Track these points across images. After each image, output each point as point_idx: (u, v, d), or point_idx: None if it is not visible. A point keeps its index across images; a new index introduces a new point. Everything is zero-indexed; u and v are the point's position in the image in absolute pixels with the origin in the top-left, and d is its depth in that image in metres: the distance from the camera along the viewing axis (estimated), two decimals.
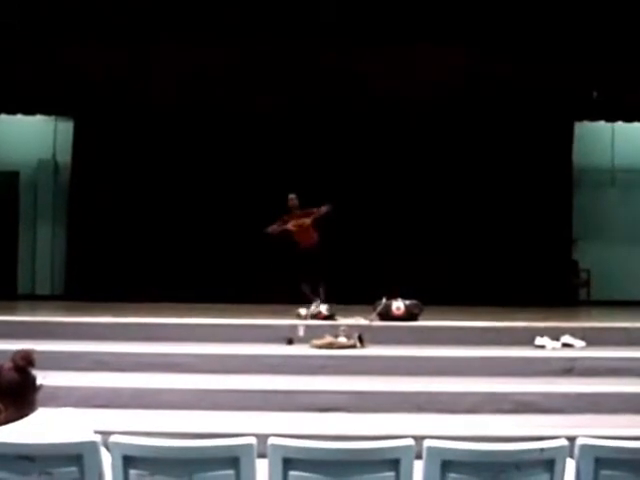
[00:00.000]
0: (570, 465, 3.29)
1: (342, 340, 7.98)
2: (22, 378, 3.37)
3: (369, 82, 12.54)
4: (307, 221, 10.89)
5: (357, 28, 12.22)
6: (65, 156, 13.43)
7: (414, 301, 9.22)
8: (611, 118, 13.30)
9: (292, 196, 10.96)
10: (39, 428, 3.28)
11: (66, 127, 13.41)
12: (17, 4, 11.93)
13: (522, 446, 3.25)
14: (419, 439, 3.22)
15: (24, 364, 3.40)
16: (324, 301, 10.02)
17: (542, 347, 8.16)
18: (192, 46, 12.47)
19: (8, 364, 3.40)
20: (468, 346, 8.02)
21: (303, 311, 9.38)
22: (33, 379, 3.41)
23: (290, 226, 10.85)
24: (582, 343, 8.22)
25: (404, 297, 9.19)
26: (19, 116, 13.03)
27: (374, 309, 9.15)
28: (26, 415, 3.32)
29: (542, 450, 3.22)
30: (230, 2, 12.13)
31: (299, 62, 12.42)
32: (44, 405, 3.42)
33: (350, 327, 8.28)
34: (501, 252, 12.89)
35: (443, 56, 12.64)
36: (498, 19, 12.19)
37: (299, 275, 10.69)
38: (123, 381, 6.86)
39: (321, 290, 10.49)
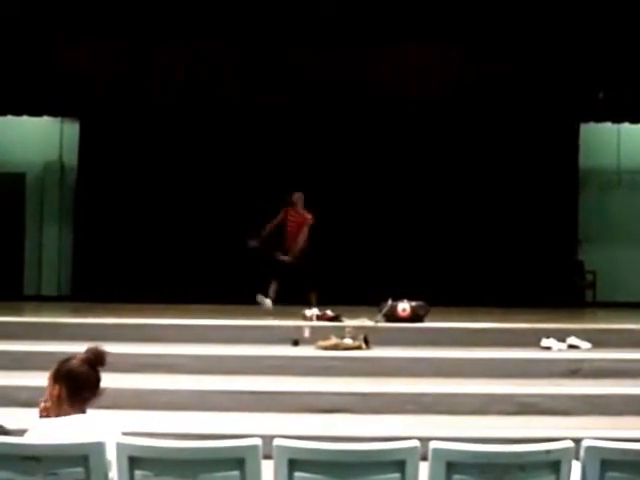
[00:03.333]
0: (576, 467, 3.28)
1: (348, 341, 7.97)
2: (87, 372, 3.41)
3: (370, 82, 12.52)
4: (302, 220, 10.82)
5: (357, 28, 12.20)
6: (71, 157, 13.44)
7: (420, 302, 9.21)
8: (617, 119, 13.26)
9: (298, 195, 10.89)
10: (70, 428, 3.31)
11: (72, 128, 13.42)
12: (21, 5, 11.94)
13: (528, 448, 3.24)
14: (425, 440, 3.22)
15: (93, 360, 3.43)
16: (316, 306, 10.04)
17: (548, 348, 8.14)
18: (197, 47, 12.50)
19: (82, 355, 3.44)
20: (474, 347, 8.02)
21: (309, 312, 9.38)
22: (97, 379, 3.44)
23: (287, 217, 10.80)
24: (588, 345, 8.21)
25: (410, 298, 9.19)
26: (25, 117, 13.03)
27: (380, 310, 9.14)
28: (75, 412, 3.33)
29: (548, 452, 3.22)
30: (233, 3, 12.14)
31: (300, 62, 12.42)
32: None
33: (356, 328, 8.27)
34: (507, 253, 12.86)
35: (444, 56, 12.64)
36: (501, 18, 12.14)
37: (273, 276, 10.67)
38: (128, 382, 6.86)
39: (312, 297, 10.39)
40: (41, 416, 3.47)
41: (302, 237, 10.77)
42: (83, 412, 3.38)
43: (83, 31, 12.14)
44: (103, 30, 12.16)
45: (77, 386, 3.37)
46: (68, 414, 3.34)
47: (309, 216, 10.81)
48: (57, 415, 3.36)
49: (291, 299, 10.43)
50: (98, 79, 12.48)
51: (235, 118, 12.75)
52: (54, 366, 3.46)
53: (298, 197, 10.89)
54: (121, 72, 12.51)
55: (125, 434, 3.28)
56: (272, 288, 10.64)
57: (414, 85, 12.62)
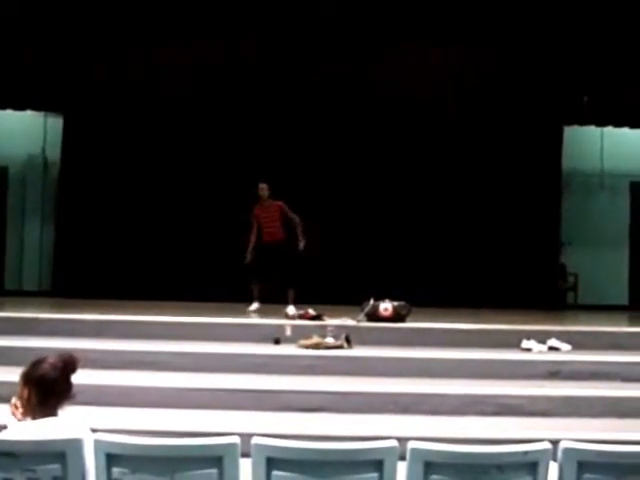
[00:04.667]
0: (553, 468, 3.30)
1: (329, 340, 7.98)
2: (57, 379, 3.39)
3: (368, 81, 12.56)
4: (276, 215, 10.62)
5: (357, 28, 12.25)
6: (54, 152, 13.38)
7: (402, 302, 9.23)
8: (601, 122, 13.33)
9: (263, 185, 10.60)
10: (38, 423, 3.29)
11: (56, 123, 13.35)
12: (10, 1, 11.89)
13: (505, 449, 3.26)
14: (403, 440, 3.23)
15: (63, 366, 3.41)
16: (294, 304, 10.04)
17: (528, 350, 8.18)
18: (183, 42, 12.48)
19: (54, 360, 3.41)
20: (455, 348, 8.03)
21: (291, 311, 9.38)
22: (68, 385, 3.42)
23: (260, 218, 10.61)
24: (568, 347, 8.25)
25: (392, 298, 9.20)
26: (9, 111, 12.98)
27: (362, 310, 9.15)
28: (46, 416, 3.31)
29: (525, 453, 3.24)
30: (231, 3, 12.15)
31: (300, 62, 12.43)
32: None
33: (338, 327, 8.28)
34: (489, 255, 12.88)
35: (430, 57, 12.66)
36: (488, 21, 12.20)
37: (255, 272, 10.54)
38: (108, 379, 6.85)
39: (290, 293, 10.28)
40: (12, 411, 3.44)
41: (279, 227, 10.59)
42: (54, 415, 3.36)
43: (68, 27, 12.11)
44: (89, 26, 12.13)
45: (47, 392, 3.35)
46: (38, 418, 3.33)
47: (280, 203, 10.60)
48: (27, 416, 3.34)
49: (273, 298, 10.43)
50: (82, 74, 12.43)
51: (224, 115, 12.75)
52: (25, 368, 3.43)
53: (261, 189, 10.53)
54: (105, 67, 12.47)
55: (102, 431, 3.27)
56: (255, 291, 10.57)
57: (401, 87, 12.64)
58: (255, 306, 10.40)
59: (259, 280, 10.49)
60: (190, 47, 12.53)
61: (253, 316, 9.89)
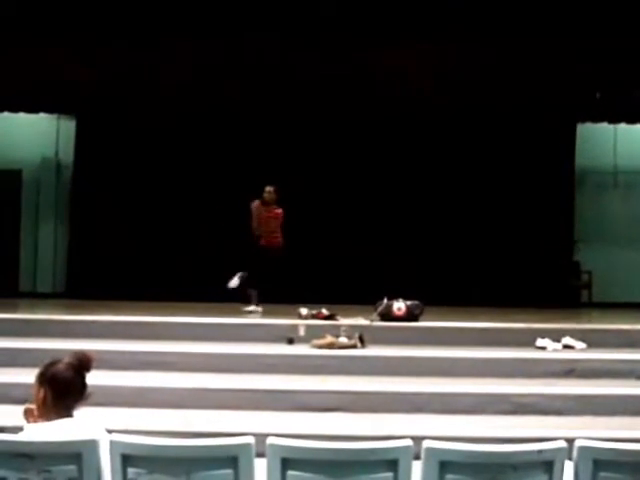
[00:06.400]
0: (569, 467, 3.28)
1: (343, 340, 7.98)
2: (72, 377, 3.38)
3: (367, 81, 12.55)
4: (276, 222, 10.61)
5: (356, 28, 12.23)
6: (68, 154, 13.44)
7: (415, 301, 9.22)
8: (614, 119, 13.29)
9: (270, 189, 10.57)
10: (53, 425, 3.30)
11: (69, 125, 13.42)
12: (19, 3, 11.93)
13: (521, 447, 3.24)
14: (418, 440, 3.22)
15: (78, 364, 3.40)
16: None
17: (543, 348, 8.15)
18: (195, 44, 12.49)
19: (68, 359, 3.41)
20: (469, 347, 8.02)
21: (304, 311, 9.38)
22: (83, 384, 3.41)
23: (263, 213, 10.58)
24: (583, 345, 8.22)
25: (405, 297, 9.19)
26: (22, 114, 13.04)
27: (375, 309, 9.15)
28: (62, 417, 3.31)
29: (540, 452, 3.22)
30: (231, 2, 12.16)
31: (299, 62, 12.42)
32: None
33: (351, 327, 8.28)
34: (503, 253, 12.88)
35: (438, 56, 12.64)
36: (500, 18, 12.17)
37: (252, 276, 10.45)
38: (122, 379, 6.88)
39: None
40: (25, 417, 3.44)
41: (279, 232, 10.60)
42: (70, 416, 3.36)
43: (81, 29, 12.14)
44: (100, 29, 12.16)
45: (62, 391, 3.34)
46: (54, 419, 3.33)
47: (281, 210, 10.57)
48: (43, 418, 3.35)
49: (287, 297, 10.45)
50: (94, 77, 12.46)
51: (231, 117, 12.77)
52: (40, 368, 3.43)
53: (269, 192, 10.52)
54: (118, 69, 12.50)
55: (117, 432, 3.27)
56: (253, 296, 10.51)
57: (411, 85, 12.62)
58: (253, 307, 10.28)
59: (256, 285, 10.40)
60: (191, 47, 12.53)
61: (251, 317, 9.75)
